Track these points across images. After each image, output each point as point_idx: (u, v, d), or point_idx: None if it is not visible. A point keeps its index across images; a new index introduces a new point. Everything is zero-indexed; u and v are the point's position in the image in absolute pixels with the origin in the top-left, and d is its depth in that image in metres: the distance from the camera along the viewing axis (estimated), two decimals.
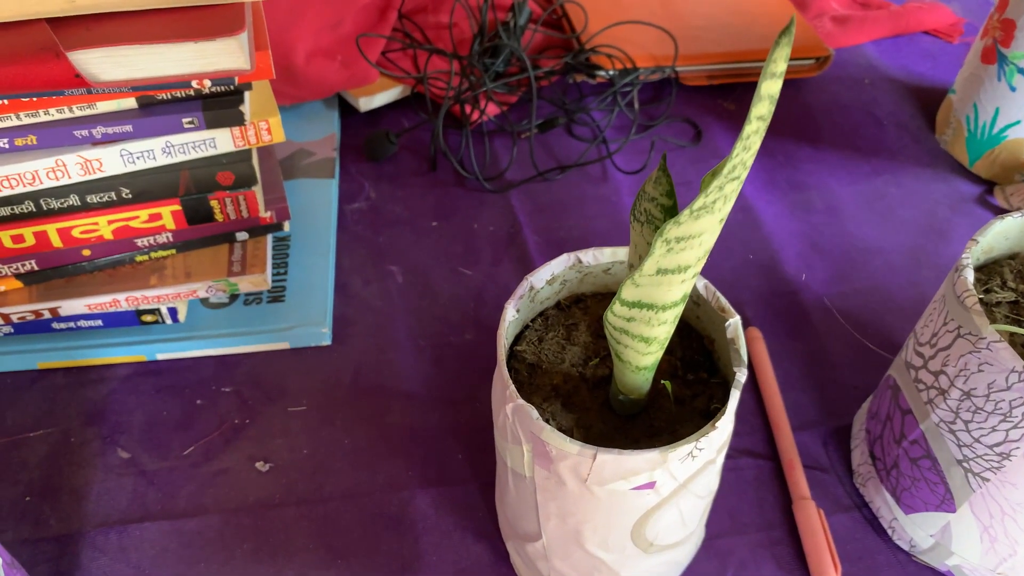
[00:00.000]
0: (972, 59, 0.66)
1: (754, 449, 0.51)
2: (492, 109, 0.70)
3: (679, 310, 0.31)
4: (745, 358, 0.36)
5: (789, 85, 0.76)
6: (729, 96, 0.75)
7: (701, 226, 0.26)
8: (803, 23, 0.77)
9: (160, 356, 0.54)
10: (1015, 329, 0.37)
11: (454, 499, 0.48)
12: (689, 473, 0.35)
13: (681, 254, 0.27)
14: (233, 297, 0.55)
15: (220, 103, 0.46)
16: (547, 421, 0.38)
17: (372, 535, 0.47)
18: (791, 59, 0.74)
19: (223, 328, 0.54)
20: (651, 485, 0.35)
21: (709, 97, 0.75)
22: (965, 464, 0.40)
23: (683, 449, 0.33)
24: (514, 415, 0.35)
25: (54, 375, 0.53)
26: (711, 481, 0.38)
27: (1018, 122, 0.63)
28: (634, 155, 0.69)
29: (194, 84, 0.43)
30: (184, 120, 0.46)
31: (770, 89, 0.22)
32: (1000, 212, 0.65)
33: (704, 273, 0.60)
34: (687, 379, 0.39)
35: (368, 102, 0.69)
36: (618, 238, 0.62)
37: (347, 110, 0.72)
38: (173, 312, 0.53)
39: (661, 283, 0.29)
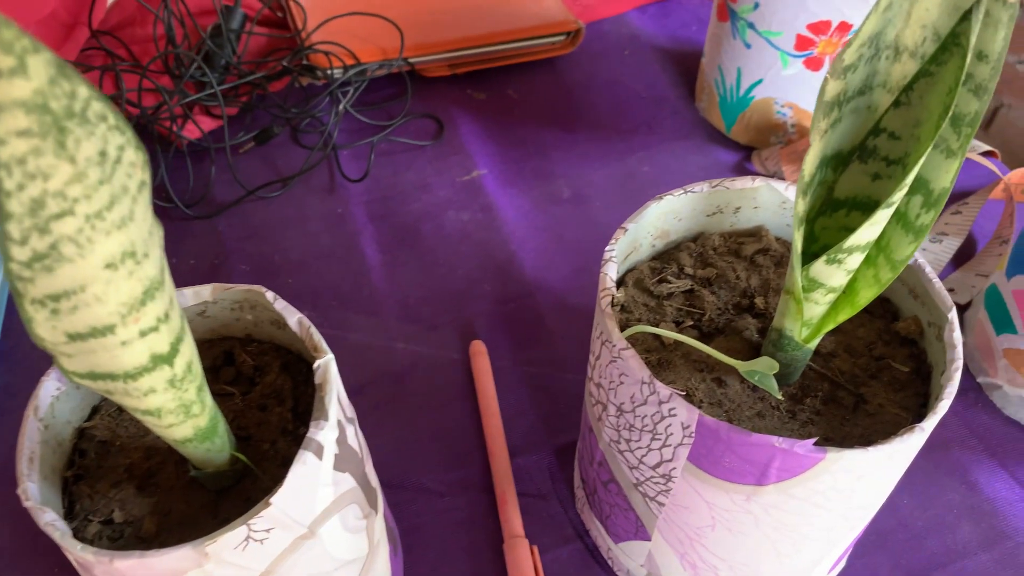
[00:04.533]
0: (713, 18, 0.62)
1: (470, 482, 0.45)
2: (209, 124, 0.62)
3: (170, 373, 0.25)
4: (329, 410, 0.30)
5: (542, 65, 0.71)
6: (478, 84, 0.69)
7: (66, 280, 0.20)
8: None
9: None
10: (650, 329, 0.31)
11: None
12: (272, 557, 0.29)
13: (77, 315, 0.21)
14: None
15: None
16: (111, 512, 0.31)
17: None
18: (540, 37, 0.68)
19: None
20: None
21: (455, 87, 0.68)
22: (640, 488, 0.34)
23: (230, 538, 0.27)
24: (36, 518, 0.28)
25: None
26: (336, 552, 0.32)
27: (761, 81, 0.59)
28: (366, 160, 0.62)
29: None
30: None
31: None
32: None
33: (433, 285, 0.54)
34: (298, 435, 0.33)
35: None
36: (344, 255, 0.56)
37: None
38: None
39: (94, 349, 0.22)
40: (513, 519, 0.42)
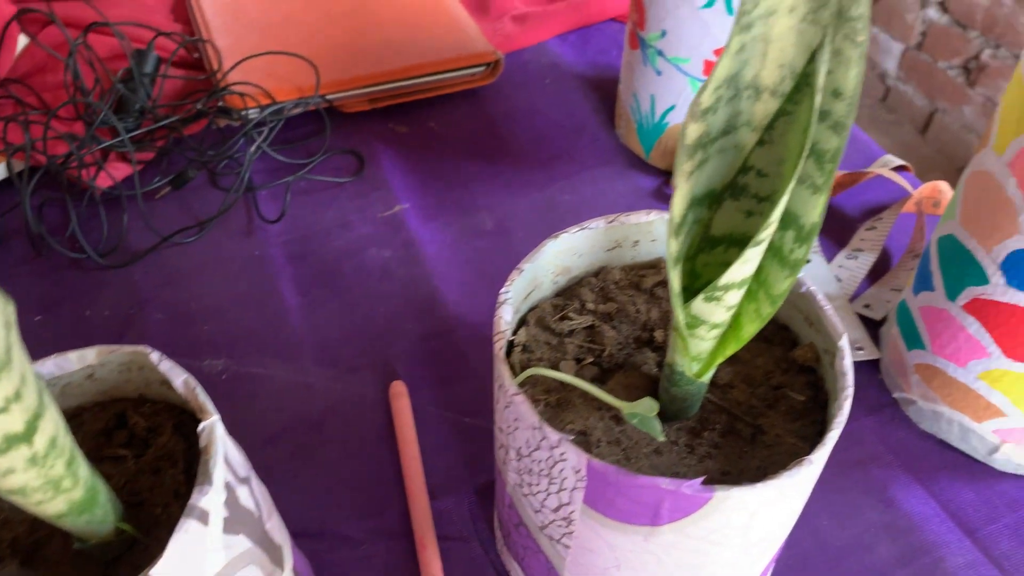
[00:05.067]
0: (625, 46, 0.62)
1: (389, 528, 0.44)
2: (125, 170, 0.61)
3: (29, 451, 0.24)
4: (213, 474, 0.29)
5: (465, 96, 0.71)
6: (399, 117, 0.69)
7: None
8: (464, 28, 0.71)
9: None
10: (543, 371, 0.31)
11: None
12: None
13: None
14: None
15: None
16: None
17: None
18: (459, 68, 0.68)
19: None
20: None
21: (377, 122, 0.68)
22: (546, 531, 0.34)
23: None
24: None
25: None
26: None
27: (673, 107, 0.59)
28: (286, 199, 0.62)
29: None
30: None
31: None
32: None
33: (353, 325, 0.53)
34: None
35: None
36: (261, 298, 0.55)
37: None
38: None
39: None
40: (432, 565, 0.42)
